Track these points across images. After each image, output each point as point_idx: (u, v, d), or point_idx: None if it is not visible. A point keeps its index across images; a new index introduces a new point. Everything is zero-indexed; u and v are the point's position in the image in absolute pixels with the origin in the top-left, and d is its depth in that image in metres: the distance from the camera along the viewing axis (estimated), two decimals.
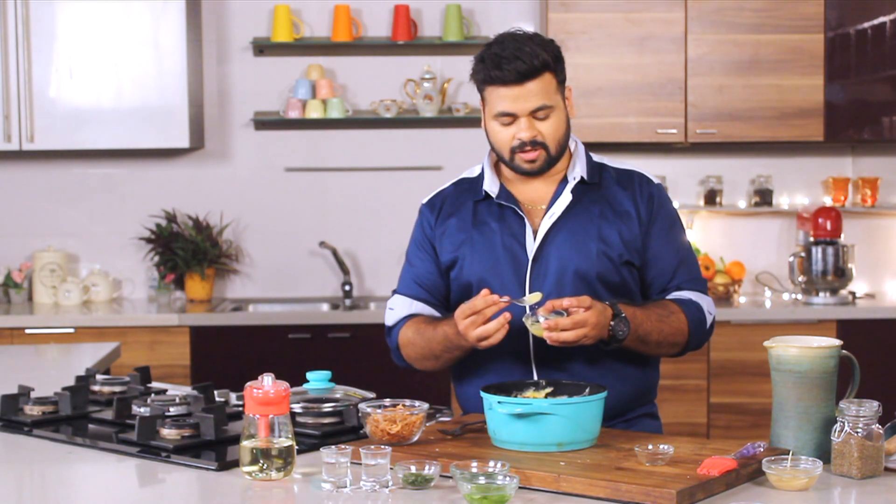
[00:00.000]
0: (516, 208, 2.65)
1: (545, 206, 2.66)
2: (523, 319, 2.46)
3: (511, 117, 2.58)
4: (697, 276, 2.70)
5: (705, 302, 2.66)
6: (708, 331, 2.67)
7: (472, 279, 2.65)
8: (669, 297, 2.65)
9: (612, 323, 2.47)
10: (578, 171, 2.66)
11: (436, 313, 2.72)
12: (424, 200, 2.80)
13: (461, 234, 2.69)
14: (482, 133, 2.67)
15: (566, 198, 2.63)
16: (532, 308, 2.47)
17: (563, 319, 2.40)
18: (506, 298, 2.44)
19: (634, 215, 2.64)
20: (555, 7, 5.02)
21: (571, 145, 2.71)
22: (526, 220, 2.64)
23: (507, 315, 2.43)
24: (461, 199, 2.74)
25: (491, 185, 2.69)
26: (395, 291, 2.79)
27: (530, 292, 2.58)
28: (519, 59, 2.52)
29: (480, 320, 2.43)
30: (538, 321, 2.42)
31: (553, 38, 2.64)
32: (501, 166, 2.71)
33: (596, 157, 2.73)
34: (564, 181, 2.66)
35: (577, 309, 2.40)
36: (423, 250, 2.75)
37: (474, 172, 2.78)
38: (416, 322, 2.69)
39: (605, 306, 2.47)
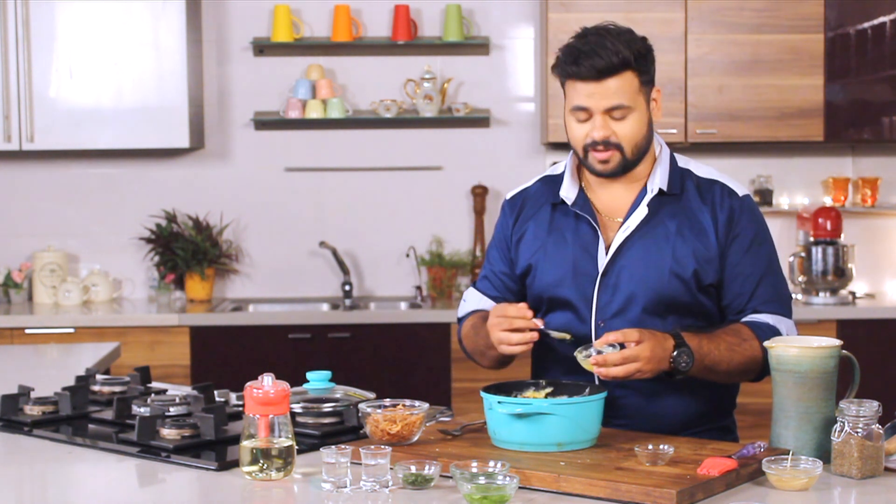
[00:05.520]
0: (591, 220, 2.56)
1: (622, 218, 2.56)
2: (575, 353, 2.39)
3: (586, 113, 2.48)
4: (778, 295, 2.56)
5: (784, 325, 2.53)
6: None
7: (542, 292, 2.59)
8: (745, 319, 2.53)
9: (673, 354, 2.37)
10: (658, 181, 2.54)
11: None
12: (508, 196, 2.74)
13: (537, 241, 2.62)
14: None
15: (642, 211, 2.53)
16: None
17: (611, 354, 2.31)
18: (539, 322, 2.41)
19: (712, 233, 2.52)
20: (555, 7, 5.01)
21: (656, 148, 2.60)
22: (599, 234, 2.55)
23: (535, 335, 2.40)
24: (541, 199, 2.65)
25: (569, 191, 2.60)
26: (473, 283, 2.77)
27: (597, 309, 2.53)
28: (597, 54, 2.42)
29: (506, 325, 2.40)
30: (589, 356, 2.35)
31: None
32: (584, 170, 2.60)
33: (681, 162, 2.61)
34: (645, 190, 2.56)
35: (630, 343, 2.32)
36: (499, 249, 2.70)
37: (558, 170, 2.68)
38: (477, 317, 2.66)
39: (664, 337, 2.37)
